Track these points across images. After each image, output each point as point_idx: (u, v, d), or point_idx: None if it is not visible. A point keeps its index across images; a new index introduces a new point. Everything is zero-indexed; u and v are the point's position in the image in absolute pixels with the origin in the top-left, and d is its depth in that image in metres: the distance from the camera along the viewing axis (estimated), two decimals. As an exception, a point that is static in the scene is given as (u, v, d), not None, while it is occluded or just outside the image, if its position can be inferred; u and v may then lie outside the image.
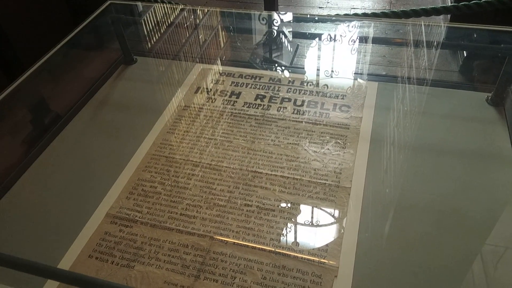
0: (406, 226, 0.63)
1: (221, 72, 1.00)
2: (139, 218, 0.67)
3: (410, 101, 0.88)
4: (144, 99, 0.94)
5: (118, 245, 0.64)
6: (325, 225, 0.64)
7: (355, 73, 0.99)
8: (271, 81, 0.96)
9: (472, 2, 1.05)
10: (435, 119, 0.81)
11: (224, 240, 0.63)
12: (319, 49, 1.14)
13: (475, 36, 1.02)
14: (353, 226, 0.64)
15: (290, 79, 0.96)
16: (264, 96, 0.91)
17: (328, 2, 1.82)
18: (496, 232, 0.62)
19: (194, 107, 0.90)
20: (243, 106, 0.89)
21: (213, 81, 0.97)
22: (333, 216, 0.65)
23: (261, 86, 0.94)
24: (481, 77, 0.99)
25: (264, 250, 0.61)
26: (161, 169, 0.75)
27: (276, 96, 0.91)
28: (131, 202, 0.70)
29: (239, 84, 0.95)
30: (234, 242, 0.63)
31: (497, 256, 0.60)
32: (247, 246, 0.62)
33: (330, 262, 0.59)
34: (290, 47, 1.14)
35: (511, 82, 0.83)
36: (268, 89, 0.93)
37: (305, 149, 0.77)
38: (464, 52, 1.10)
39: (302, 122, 0.84)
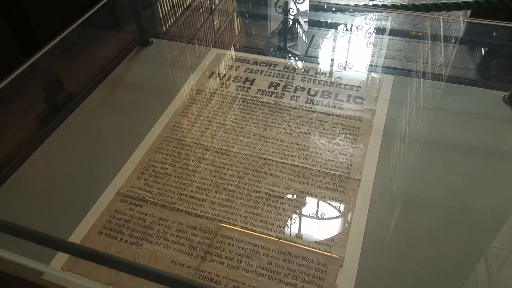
0: (414, 220, 0.63)
1: (235, 58, 1.00)
2: (149, 198, 0.68)
3: (425, 96, 0.87)
4: (158, 81, 0.94)
5: (127, 223, 0.65)
6: (333, 215, 0.65)
7: (370, 66, 0.98)
8: (285, 70, 0.95)
9: (495, -2, 1.02)
10: (449, 116, 0.80)
11: (232, 224, 0.64)
12: (334, 40, 1.13)
13: (494, 33, 1.01)
14: (360, 218, 0.64)
15: (304, 68, 0.96)
16: (278, 84, 0.91)
17: (346, -7, 1.78)
18: (505, 231, 0.62)
19: (207, 92, 0.90)
20: (257, 93, 0.89)
21: (227, 67, 0.97)
22: (341, 207, 0.66)
23: (275, 74, 0.94)
24: (499, 76, 0.97)
25: (271, 236, 0.62)
26: (173, 151, 0.76)
27: (290, 84, 0.91)
28: (141, 182, 0.71)
29: (253, 71, 0.95)
30: (242, 227, 0.63)
31: (504, 256, 0.60)
32: (254, 231, 0.63)
33: (336, 251, 0.59)
34: (305, 37, 1.13)
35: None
36: (282, 78, 0.93)
37: (317, 139, 0.77)
38: (483, 49, 1.08)
39: (315, 112, 0.83)
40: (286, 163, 0.73)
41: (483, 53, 1.08)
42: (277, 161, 0.73)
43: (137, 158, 0.75)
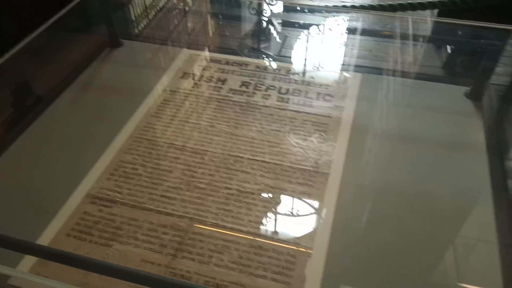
0: (381, 211, 0.65)
1: (207, 58, 1.00)
2: (119, 198, 0.68)
3: (392, 93, 0.89)
4: (129, 82, 0.94)
5: (97, 225, 0.64)
6: (302, 209, 0.66)
7: (340, 65, 1.00)
8: (257, 69, 0.96)
9: (458, -3, 1.06)
10: (414, 111, 0.83)
11: (203, 221, 0.64)
12: (306, 40, 1.15)
13: (459, 32, 1.04)
14: (329, 210, 0.65)
15: (276, 67, 0.97)
16: (250, 83, 0.92)
17: (319, -5, 1.82)
18: (465, 217, 0.64)
19: (179, 92, 0.90)
20: (228, 92, 0.90)
21: (200, 67, 0.97)
22: (310, 200, 0.67)
23: (247, 74, 0.95)
24: (462, 72, 1.01)
25: (242, 231, 0.63)
26: (143, 152, 0.76)
27: (261, 83, 0.92)
28: (111, 183, 0.70)
29: (225, 71, 0.96)
30: (213, 223, 0.64)
31: (465, 241, 0.62)
32: (225, 227, 0.63)
33: (305, 243, 0.60)
34: (279, 38, 1.15)
35: (489, 77, 0.85)
36: (254, 77, 0.94)
37: (287, 136, 0.78)
38: (448, 47, 1.12)
39: (285, 109, 0.85)
40: (257, 160, 0.74)
41: (448, 51, 1.12)
42: (248, 158, 0.74)
43: (107, 159, 0.75)
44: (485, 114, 0.79)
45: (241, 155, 0.75)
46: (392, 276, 0.57)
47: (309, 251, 0.59)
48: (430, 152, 0.74)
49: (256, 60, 0.99)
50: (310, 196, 0.68)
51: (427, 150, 0.75)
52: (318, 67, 0.98)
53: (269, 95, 0.88)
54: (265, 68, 0.97)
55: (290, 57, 1.07)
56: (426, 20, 1.21)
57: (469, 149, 0.75)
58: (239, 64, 0.98)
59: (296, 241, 0.61)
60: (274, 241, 0.61)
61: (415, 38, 1.12)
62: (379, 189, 0.69)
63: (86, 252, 0.61)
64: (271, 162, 0.73)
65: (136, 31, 1.18)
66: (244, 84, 0.92)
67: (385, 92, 0.89)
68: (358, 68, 0.99)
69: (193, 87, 0.91)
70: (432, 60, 1.08)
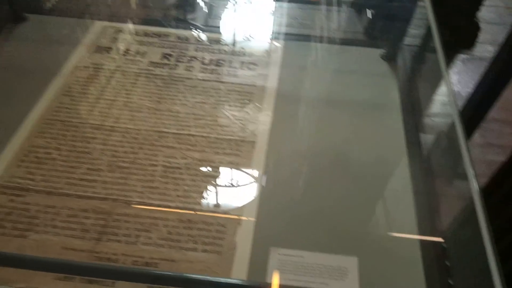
0: (306, 175, 0.67)
1: (124, 30, 0.94)
2: (32, 186, 0.63)
3: (314, 59, 0.90)
4: (35, 60, 0.86)
5: (9, 216, 0.59)
6: (230, 178, 0.65)
7: (264, 33, 0.99)
8: (178, 40, 0.92)
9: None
10: (335, 75, 0.85)
11: (128, 201, 0.61)
12: (232, 9, 1.12)
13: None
14: (256, 177, 0.65)
15: (198, 38, 0.94)
16: (171, 55, 0.88)
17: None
18: (384, 172, 0.68)
19: (94, 68, 0.84)
20: (149, 65, 0.85)
21: (116, 40, 0.91)
22: (238, 169, 0.67)
23: (167, 45, 0.91)
24: (378, 35, 1.05)
25: (170, 207, 0.61)
26: (57, 134, 0.70)
27: (183, 55, 0.88)
28: (22, 170, 0.65)
29: (144, 43, 0.91)
30: (139, 202, 0.61)
31: (385, 193, 0.66)
32: (152, 205, 0.61)
33: (234, 212, 0.60)
34: (204, 7, 1.11)
35: (401, 38, 0.89)
36: (175, 48, 0.90)
37: (213, 107, 0.77)
38: (368, 11, 1.15)
39: (209, 80, 0.83)
40: (183, 134, 0.72)
41: (368, 16, 1.16)
42: (173, 133, 0.72)
43: (16, 145, 0.68)
44: (399, 75, 0.84)
45: (165, 130, 0.72)
46: (320, 235, 0.59)
47: (238, 218, 0.60)
48: (350, 114, 0.77)
49: (176, 31, 0.95)
50: (237, 165, 0.67)
51: (347, 112, 0.77)
52: (242, 36, 0.96)
53: (192, 66, 0.86)
54: (187, 38, 0.93)
55: (215, 27, 1.04)
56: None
57: (385, 108, 0.79)
58: (159, 35, 0.93)
59: (225, 211, 0.61)
60: (203, 213, 0.60)
61: (339, 3, 1.13)
62: (304, 154, 0.70)
63: (-1, 246, 0.56)
64: (197, 135, 0.72)
65: (43, 4, 1.07)
66: (165, 56, 0.88)
67: (307, 58, 0.90)
68: (283, 35, 0.98)
69: (109, 61, 0.85)
70: (353, 25, 1.11)
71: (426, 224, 0.62)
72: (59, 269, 0.50)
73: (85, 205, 0.61)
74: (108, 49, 0.88)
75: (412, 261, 0.56)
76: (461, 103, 1.03)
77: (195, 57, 0.88)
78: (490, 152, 1.16)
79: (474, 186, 0.55)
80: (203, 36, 0.94)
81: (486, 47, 1.77)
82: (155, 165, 0.67)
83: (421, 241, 0.60)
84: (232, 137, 0.71)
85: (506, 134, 1.20)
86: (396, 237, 0.61)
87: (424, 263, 0.56)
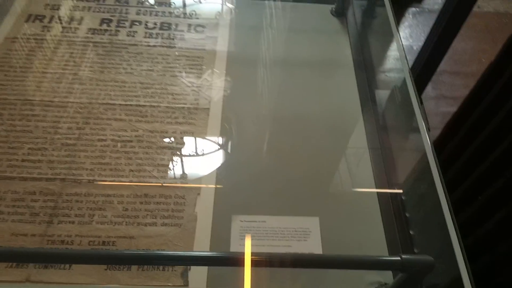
0: (262, 136, 0.66)
1: (56, -5, 0.86)
2: (-32, 172, 0.57)
3: (264, 18, 0.87)
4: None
5: None
6: (185, 148, 0.63)
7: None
8: (117, 3, 0.86)
9: None
10: (285, 34, 0.83)
11: (78, 180, 0.58)
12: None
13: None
14: (212, 144, 0.64)
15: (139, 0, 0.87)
16: (111, 20, 0.82)
17: None
18: (340, 129, 0.69)
19: (27, 39, 0.76)
20: (87, 33, 0.79)
21: (48, 7, 0.83)
22: (192, 138, 0.65)
23: (106, 9, 0.84)
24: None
25: (124, 182, 0.58)
26: (-9, 114, 0.64)
27: (124, 19, 0.82)
28: (-46, 156, 0.59)
29: (80, 8, 0.83)
30: (89, 180, 0.58)
31: (343, 150, 0.67)
32: (104, 181, 0.58)
33: (192, 181, 0.59)
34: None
35: (351, -8, 0.88)
36: (115, 12, 0.84)
37: (161, 75, 0.73)
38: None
39: (155, 46, 0.78)
40: (131, 105, 0.68)
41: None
42: (120, 104, 0.68)
43: None
44: (350, 30, 0.83)
45: (112, 102, 0.68)
46: (281, 198, 0.59)
47: (197, 188, 0.58)
48: (303, 73, 0.76)
49: (115, -7, 0.88)
50: (193, 134, 0.65)
51: (301, 72, 0.76)
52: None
53: (135, 31, 0.80)
54: (127, 1, 0.86)
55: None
56: None
57: (338, 66, 0.78)
58: (96, -1, 0.86)
59: (183, 182, 0.59)
60: (159, 186, 0.58)
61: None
62: (261, 117, 0.69)
63: None
64: (146, 105, 0.68)
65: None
66: (104, 21, 0.81)
67: (257, 18, 0.87)
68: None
69: (42, 31, 0.78)
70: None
71: (383, 178, 0.64)
72: (9, 258, 0.46)
73: (31, 187, 0.57)
74: (41, 17, 0.80)
75: (372, 215, 0.58)
76: (413, 56, 1.04)
77: (137, 21, 0.82)
78: (443, 104, 1.20)
79: (427, 139, 0.57)
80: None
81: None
82: (104, 140, 0.63)
83: (379, 195, 0.61)
84: (184, 105, 0.68)
85: (458, 85, 1.24)
86: (355, 192, 0.63)
87: (383, 216, 0.57)
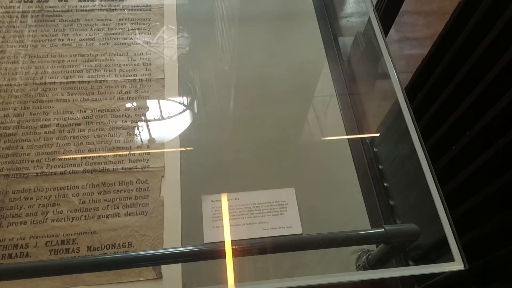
0: (229, 106, 0.61)
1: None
2: None
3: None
4: None
5: None
6: (142, 125, 0.57)
7: None
8: (43, -37, 0.74)
9: None
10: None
11: (23, 175, 0.52)
12: None
13: None
14: (173, 120, 0.58)
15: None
16: (38, -16, 0.71)
17: None
18: (309, 78, 0.65)
19: None
20: (11, 1, 0.68)
21: (-44, -28, 0.70)
22: (149, 115, 0.58)
23: (30, -29, 0.72)
24: None
25: (76, 172, 0.52)
26: None
27: (53, -19, 0.71)
28: None
29: (-2, -28, 0.71)
30: (37, 174, 0.52)
31: (313, 99, 0.63)
32: (55, 173, 0.52)
33: (154, 163, 0.54)
34: None
35: None
36: (41, -26, 0.72)
37: (104, 43, 0.65)
38: None
39: (93, 10, 0.69)
40: (74, 82, 0.60)
41: None
42: (61, 82, 0.60)
43: None
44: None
45: (50, 80, 0.60)
46: (251, 168, 0.56)
47: (161, 170, 0.53)
48: (264, 28, 0.70)
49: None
50: (147, 110, 0.59)
51: (261, 27, 0.70)
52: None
53: (68, -5, 0.70)
54: (53, -41, 0.75)
55: None
56: None
57: (300, 16, 0.72)
58: (15, -42, 0.73)
59: (144, 165, 0.54)
60: (118, 172, 0.53)
61: None
62: (223, 83, 0.63)
63: None
64: (92, 81, 0.61)
65: None
66: (30, -15, 0.70)
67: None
68: None
69: (-45, 2, 0.66)
70: None
71: (354, 129, 0.61)
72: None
73: (-31, 190, 0.50)
74: (-51, -15, 0.68)
75: (349, 180, 0.55)
76: (373, -1, 0.99)
77: (69, -18, 0.71)
78: (407, 46, 1.17)
79: (398, 87, 0.54)
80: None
81: None
82: (48, 126, 0.56)
83: (352, 150, 0.59)
84: (135, 77, 0.62)
85: (420, 26, 1.20)
86: (328, 152, 0.60)
87: (359, 178, 0.55)
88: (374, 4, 0.97)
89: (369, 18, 0.65)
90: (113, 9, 0.69)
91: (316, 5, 0.74)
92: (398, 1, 0.87)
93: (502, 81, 0.56)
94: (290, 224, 0.48)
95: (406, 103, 0.53)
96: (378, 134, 0.61)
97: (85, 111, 0.58)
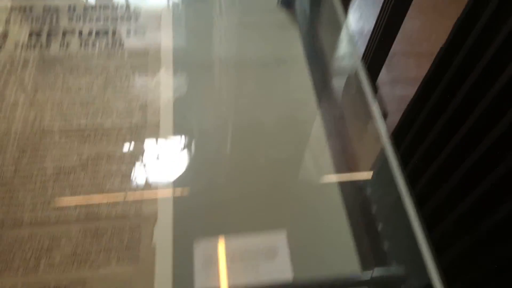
0: (222, 150, 0.62)
1: (-28, 7, 0.77)
2: None
3: (208, 14, 0.82)
4: None
5: None
6: (137, 169, 0.59)
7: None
8: (46, 11, 0.78)
9: None
10: (234, 29, 0.78)
11: (18, 223, 0.52)
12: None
13: None
14: (167, 164, 0.59)
15: (70, 4, 0.79)
16: (41, 31, 0.74)
17: None
18: (296, 132, 0.66)
19: None
20: (15, 49, 0.71)
21: (-37, 22, 0.74)
22: (143, 157, 0.60)
23: (34, 20, 0.76)
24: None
25: (71, 218, 0.53)
26: None
27: (55, 29, 0.75)
28: None
29: (4, 21, 0.75)
30: (32, 221, 0.53)
31: (305, 144, 0.65)
32: (49, 220, 0.53)
33: (147, 209, 0.55)
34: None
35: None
36: (44, 22, 0.76)
37: (103, 88, 0.67)
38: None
39: (93, 57, 0.71)
40: (71, 127, 0.62)
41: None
42: (58, 126, 0.62)
43: None
44: (300, 22, 0.79)
45: (49, 127, 0.62)
46: (243, 211, 0.56)
47: (153, 216, 0.54)
48: (255, 73, 0.72)
49: (41, 1, 0.80)
50: (142, 154, 0.60)
51: (252, 72, 0.72)
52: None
53: (68, 42, 0.73)
54: (56, 8, 0.78)
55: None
56: None
57: (290, 61, 0.74)
58: (21, 9, 0.77)
59: (137, 210, 0.54)
60: (110, 218, 0.53)
61: None
62: (210, 128, 0.65)
63: None
64: (88, 126, 0.62)
65: None
66: (33, 33, 0.74)
67: (201, 15, 0.82)
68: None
69: (-40, 51, 0.69)
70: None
71: (345, 173, 0.62)
72: None
73: (-37, 238, 0.51)
74: (-45, 35, 0.71)
75: (339, 223, 0.56)
76: (365, 39, 1.02)
77: (70, 30, 0.75)
78: (399, 87, 1.19)
79: (383, 129, 0.55)
80: (68, 2, 0.80)
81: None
82: (44, 174, 0.57)
83: (344, 194, 0.59)
84: (131, 121, 0.63)
85: (411, 66, 1.23)
86: (318, 195, 0.60)
87: (351, 228, 0.55)
88: (365, 45, 1.01)
89: (356, 64, 0.67)
90: (112, 56, 0.72)
91: (306, 50, 0.77)
92: (388, 42, 0.90)
93: (484, 122, 0.58)
94: (282, 268, 0.48)
95: (392, 146, 0.54)
96: (369, 178, 0.61)
97: (81, 155, 0.59)
